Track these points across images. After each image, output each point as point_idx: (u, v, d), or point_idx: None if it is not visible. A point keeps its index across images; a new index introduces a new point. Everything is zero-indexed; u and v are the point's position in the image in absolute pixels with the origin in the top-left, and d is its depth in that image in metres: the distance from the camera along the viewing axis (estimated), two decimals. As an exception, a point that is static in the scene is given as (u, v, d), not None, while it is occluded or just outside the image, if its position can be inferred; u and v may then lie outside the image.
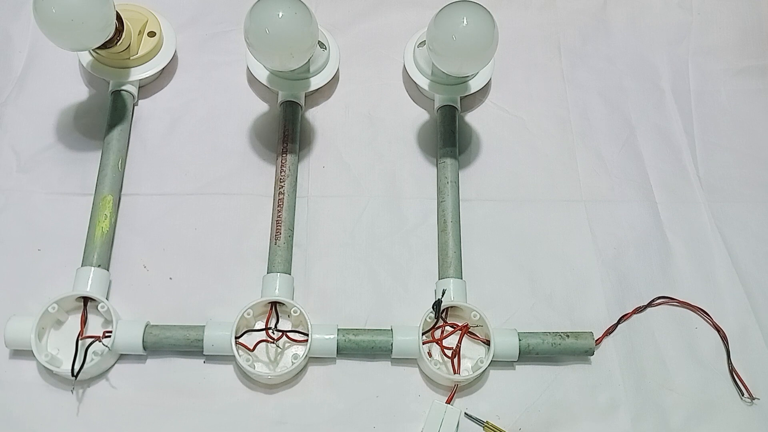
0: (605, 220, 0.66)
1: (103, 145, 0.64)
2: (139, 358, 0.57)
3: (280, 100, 0.67)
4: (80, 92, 0.69)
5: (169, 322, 0.57)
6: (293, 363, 0.54)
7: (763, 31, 0.77)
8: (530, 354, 0.56)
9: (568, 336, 0.57)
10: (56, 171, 0.65)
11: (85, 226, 0.61)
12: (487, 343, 0.56)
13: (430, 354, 0.56)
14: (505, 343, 0.56)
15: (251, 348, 0.55)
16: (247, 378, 0.56)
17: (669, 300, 0.61)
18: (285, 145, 0.65)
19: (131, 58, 0.66)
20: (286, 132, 0.66)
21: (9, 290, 0.59)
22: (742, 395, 0.57)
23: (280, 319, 0.56)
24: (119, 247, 0.61)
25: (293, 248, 0.61)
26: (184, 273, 0.61)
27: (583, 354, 0.58)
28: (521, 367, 0.58)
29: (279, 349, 0.56)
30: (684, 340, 0.60)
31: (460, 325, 0.57)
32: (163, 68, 0.68)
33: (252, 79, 0.70)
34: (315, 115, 0.70)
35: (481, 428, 0.55)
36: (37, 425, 0.54)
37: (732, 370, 0.58)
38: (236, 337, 0.55)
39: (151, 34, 0.67)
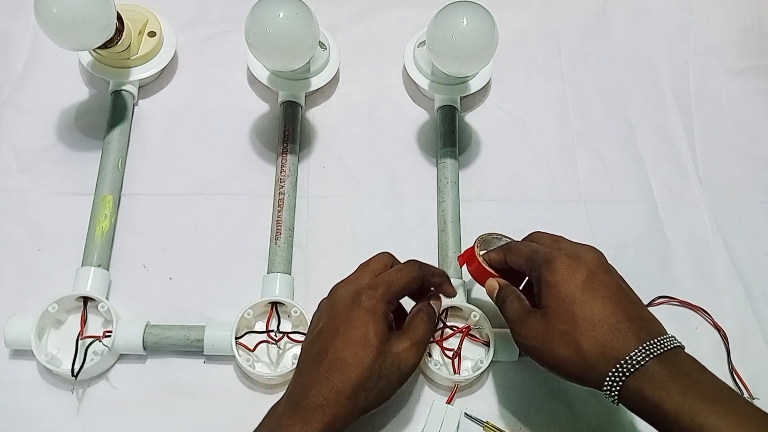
0: (605, 220, 0.66)
1: (103, 145, 0.64)
2: (139, 358, 0.57)
3: (280, 100, 0.67)
4: (80, 92, 0.69)
5: (169, 322, 0.57)
6: (293, 363, 0.54)
7: (763, 31, 0.77)
8: (530, 354, 0.56)
9: (568, 336, 0.57)
10: (56, 171, 0.65)
11: (85, 226, 0.61)
12: (487, 343, 0.56)
13: (430, 354, 0.56)
14: (505, 343, 0.56)
15: (252, 348, 0.55)
16: (247, 378, 0.56)
17: (669, 299, 0.61)
18: (285, 145, 0.65)
19: (131, 58, 0.66)
20: (287, 132, 0.66)
21: (9, 290, 0.59)
22: (742, 394, 0.57)
23: (280, 320, 0.56)
24: (119, 247, 0.61)
25: (293, 248, 0.61)
26: (184, 273, 0.61)
27: (584, 354, 0.58)
28: (521, 368, 0.58)
29: (280, 350, 0.56)
30: (684, 340, 0.59)
31: (461, 326, 0.57)
32: (163, 68, 0.68)
33: (252, 79, 0.70)
34: (315, 115, 0.70)
35: (481, 428, 0.55)
36: (37, 425, 0.54)
37: (732, 370, 0.58)
38: (237, 338, 0.55)
39: (151, 34, 0.67)
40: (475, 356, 0.57)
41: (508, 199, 0.66)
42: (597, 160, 0.69)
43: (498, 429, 0.54)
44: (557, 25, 0.77)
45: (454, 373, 0.55)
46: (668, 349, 0.44)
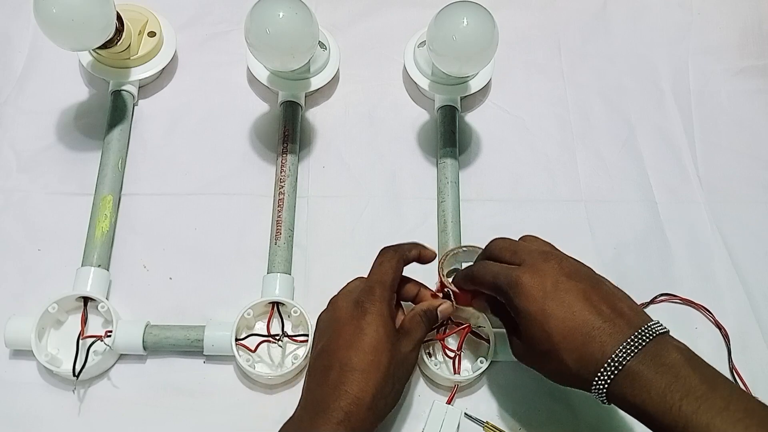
0: (605, 220, 0.66)
1: (103, 145, 0.64)
2: (139, 358, 0.57)
3: (280, 100, 0.67)
4: (80, 92, 0.69)
5: (169, 322, 0.57)
6: (293, 363, 0.54)
7: (763, 31, 0.77)
8: (530, 354, 0.56)
9: (568, 336, 0.57)
10: (56, 171, 0.65)
11: (85, 226, 0.61)
12: (488, 343, 0.56)
13: (430, 354, 0.56)
14: (505, 343, 0.56)
15: (252, 348, 0.55)
16: (247, 378, 0.56)
17: (671, 297, 0.61)
18: (285, 145, 0.65)
19: (131, 58, 0.66)
20: (287, 132, 0.66)
21: (9, 290, 0.59)
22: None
23: (284, 321, 0.56)
24: (119, 247, 0.61)
25: (293, 248, 0.61)
26: (184, 273, 0.61)
27: (584, 354, 0.57)
28: (521, 368, 0.57)
29: (281, 347, 0.56)
30: (684, 339, 0.59)
31: (462, 325, 0.57)
32: (163, 68, 0.68)
33: (252, 79, 0.70)
34: (315, 115, 0.70)
35: (481, 428, 0.55)
36: (37, 425, 0.54)
37: (732, 369, 0.58)
38: (239, 339, 0.55)
39: (151, 34, 0.67)
40: (475, 356, 0.57)
41: (508, 199, 0.66)
42: (597, 160, 0.69)
43: (498, 429, 0.54)
44: (557, 25, 0.77)
45: (454, 373, 0.55)
46: (649, 340, 0.43)
